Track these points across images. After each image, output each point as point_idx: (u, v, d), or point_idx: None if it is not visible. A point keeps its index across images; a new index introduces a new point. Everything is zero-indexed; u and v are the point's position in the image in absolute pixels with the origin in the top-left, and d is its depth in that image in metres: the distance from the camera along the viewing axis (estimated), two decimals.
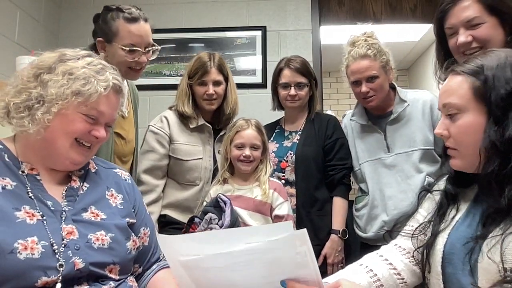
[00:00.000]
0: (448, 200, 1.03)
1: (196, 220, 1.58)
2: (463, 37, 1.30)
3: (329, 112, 3.21)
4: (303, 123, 1.97)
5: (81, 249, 0.92)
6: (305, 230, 0.74)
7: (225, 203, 1.55)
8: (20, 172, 0.95)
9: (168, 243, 0.83)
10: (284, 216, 1.65)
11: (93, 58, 1.03)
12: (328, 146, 1.88)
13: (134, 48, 1.55)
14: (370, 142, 1.84)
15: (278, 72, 1.96)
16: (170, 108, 1.93)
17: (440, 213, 1.02)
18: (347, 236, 1.84)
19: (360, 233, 1.86)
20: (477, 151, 0.89)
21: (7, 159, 0.95)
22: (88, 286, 0.91)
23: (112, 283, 0.95)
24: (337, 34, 3.26)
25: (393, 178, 1.76)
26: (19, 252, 0.83)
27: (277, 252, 0.76)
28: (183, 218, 1.79)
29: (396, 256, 1.08)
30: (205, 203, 1.71)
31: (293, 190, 1.85)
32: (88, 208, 1.00)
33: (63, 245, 0.90)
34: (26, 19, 2.58)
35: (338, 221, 1.83)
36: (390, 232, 1.23)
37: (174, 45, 2.95)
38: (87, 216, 0.99)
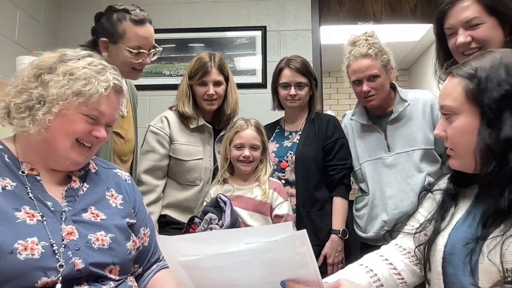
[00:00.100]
0: (449, 199, 1.03)
1: (196, 220, 1.58)
2: (462, 37, 1.30)
3: (329, 112, 3.21)
4: (303, 123, 1.97)
5: (81, 249, 0.92)
6: (305, 230, 0.74)
7: (225, 203, 1.55)
8: (20, 173, 0.95)
9: (167, 244, 0.83)
10: (283, 215, 1.65)
11: (94, 59, 1.03)
12: (328, 146, 1.88)
13: (141, 50, 1.58)
14: (370, 141, 1.84)
15: (278, 72, 1.96)
16: (170, 108, 1.93)
17: (441, 212, 1.02)
18: (347, 236, 1.84)
19: (360, 233, 1.86)
20: (472, 152, 0.90)
21: (7, 160, 0.95)
22: (88, 286, 0.91)
23: (112, 283, 0.95)
24: (337, 34, 3.26)
25: (393, 177, 1.76)
26: (19, 252, 0.83)
27: (277, 253, 0.76)
28: (183, 218, 1.79)
29: (396, 256, 1.08)
30: (205, 203, 1.71)
31: (293, 190, 1.85)
32: (88, 209, 1.00)
33: (63, 246, 0.90)
34: (26, 19, 2.58)
35: (338, 221, 1.83)
36: (391, 232, 1.23)
37: (174, 45, 2.95)
38: (87, 217, 0.99)
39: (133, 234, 1.06)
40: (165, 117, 1.87)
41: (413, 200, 1.58)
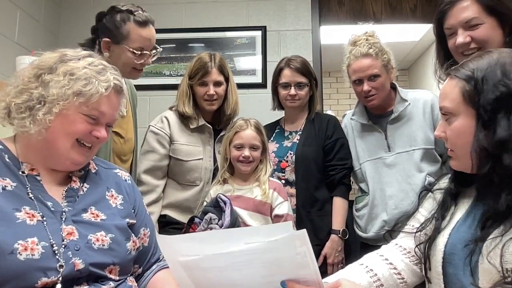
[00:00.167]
0: (449, 198, 1.03)
1: (196, 220, 1.58)
2: (461, 37, 1.30)
3: (329, 112, 3.21)
4: (303, 123, 1.97)
5: (81, 249, 0.92)
6: (305, 230, 0.74)
7: (225, 203, 1.55)
8: (20, 173, 0.95)
9: (167, 243, 0.83)
10: (283, 215, 1.65)
11: (94, 59, 1.03)
12: (328, 146, 1.88)
13: (144, 52, 1.59)
14: (370, 141, 1.84)
15: (278, 72, 1.96)
16: (170, 109, 1.93)
17: (441, 211, 1.03)
18: (347, 236, 1.84)
19: (360, 233, 1.86)
20: (469, 153, 0.90)
21: (7, 160, 0.95)
22: (87, 287, 0.91)
23: (112, 284, 0.95)
24: (337, 34, 3.26)
25: (393, 177, 1.76)
26: (19, 252, 0.83)
27: (277, 252, 0.76)
28: (183, 218, 1.79)
29: (396, 255, 1.08)
30: (205, 203, 1.71)
31: (293, 190, 1.85)
32: (88, 209, 1.00)
33: (63, 246, 0.90)
34: (26, 19, 2.58)
35: (338, 221, 1.83)
36: (391, 232, 1.23)
37: (174, 45, 2.95)
38: (87, 217, 0.99)
39: (133, 234, 1.06)
40: (165, 117, 1.87)
41: (414, 199, 1.59)
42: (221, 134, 1.91)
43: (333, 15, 3.09)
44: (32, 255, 0.85)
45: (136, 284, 1.06)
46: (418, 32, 4.29)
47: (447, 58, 1.38)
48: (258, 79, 2.90)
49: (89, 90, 0.96)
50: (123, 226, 1.03)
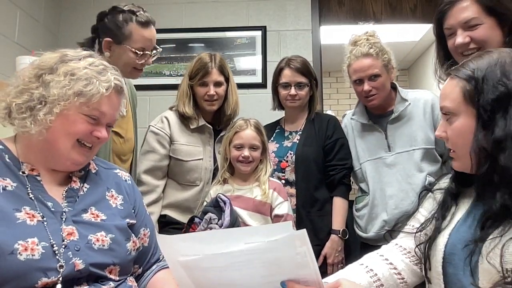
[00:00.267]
0: (450, 198, 1.03)
1: (196, 220, 1.58)
2: (460, 38, 1.30)
3: (329, 112, 3.21)
4: (303, 123, 1.97)
5: (81, 250, 0.92)
6: (304, 230, 0.74)
7: (224, 203, 1.55)
8: (21, 173, 0.95)
9: (167, 243, 0.83)
10: (283, 215, 1.65)
11: (95, 59, 1.03)
12: (328, 146, 1.88)
13: (145, 52, 1.60)
14: (370, 141, 1.84)
15: (278, 72, 1.96)
16: (170, 109, 1.93)
17: (442, 211, 1.03)
18: (347, 236, 1.84)
19: (360, 233, 1.86)
20: (469, 153, 0.90)
21: (7, 160, 0.96)
22: (87, 287, 0.91)
23: (112, 284, 0.95)
24: (337, 34, 3.26)
25: (394, 177, 1.76)
26: (19, 253, 0.83)
27: (277, 252, 0.76)
28: (183, 218, 1.79)
29: (396, 255, 1.08)
30: (205, 203, 1.72)
31: (293, 190, 1.85)
32: (88, 209, 1.00)
33: (63, 246, 0.90)
34: (26, 19, 2.58)
35: (338, 221, 1.83)
36: (391, 232, 1.23)
37: (174, 45, 2.95)
38: (87, 217, 0.99)
39: (133, 234, 1.06)
40: (166, 117, 1.87)
41: (414, 199, 1.59)
42: (221, 134, 1.91)
43: (333, 15, 3.09)
44: (32, 255, 0.85)
45: (136, 284, 1.06)
46: (418, 32, 4.29)
47: (447, 58, 1.38)
48: (258, 79, 2.90)
49: (90, 90, 0.96)
50: (123, 226, 1.03)
